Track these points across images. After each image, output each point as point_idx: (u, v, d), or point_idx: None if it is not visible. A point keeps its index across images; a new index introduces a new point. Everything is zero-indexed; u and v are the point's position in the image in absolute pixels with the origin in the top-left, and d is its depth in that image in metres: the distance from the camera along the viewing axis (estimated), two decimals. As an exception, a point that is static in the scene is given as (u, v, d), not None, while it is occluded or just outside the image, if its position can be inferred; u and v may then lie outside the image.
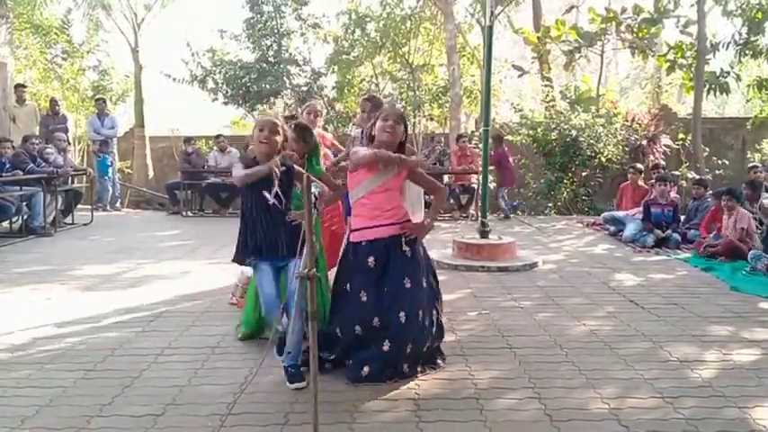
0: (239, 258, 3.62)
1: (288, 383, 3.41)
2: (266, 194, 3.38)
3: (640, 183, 9.73)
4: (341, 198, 4.45)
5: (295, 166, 3.66)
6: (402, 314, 3.47)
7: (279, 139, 3.51)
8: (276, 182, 3.38)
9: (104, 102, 12.76)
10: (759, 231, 7.07)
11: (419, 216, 3.99)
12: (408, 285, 3.52)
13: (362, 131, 4.88)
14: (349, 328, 3.58)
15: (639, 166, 10.23)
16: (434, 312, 3.69)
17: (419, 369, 3.57)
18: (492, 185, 10.56)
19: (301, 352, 3.45)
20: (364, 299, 3.54)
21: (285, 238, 3.47)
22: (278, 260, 3.51)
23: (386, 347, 3.47)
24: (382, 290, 3.53)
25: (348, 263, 3.69)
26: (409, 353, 3.51)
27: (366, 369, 3.46)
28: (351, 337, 3.57)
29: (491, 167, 9.27)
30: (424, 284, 3.62)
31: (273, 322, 3.60)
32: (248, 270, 3.77)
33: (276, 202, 3.40)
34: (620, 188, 10.08)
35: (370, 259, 3.56)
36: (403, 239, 3.59)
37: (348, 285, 3.64)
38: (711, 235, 7.52)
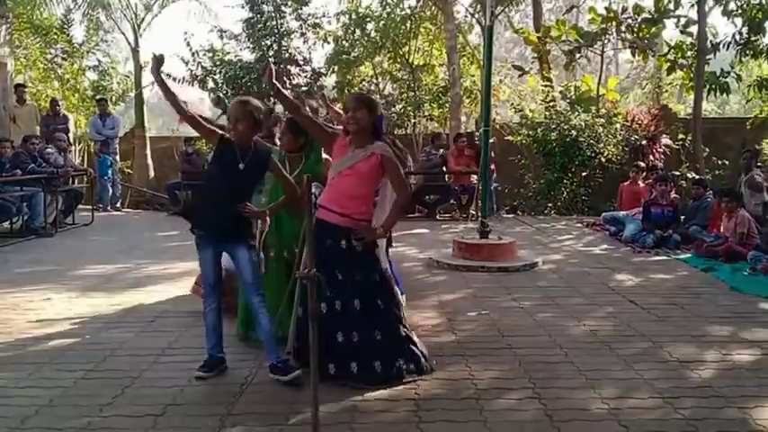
0: (187, 216, 3.69)
1: (283, 378, 3.41)
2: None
3: (640, 182, 9.73)
4: None
5: (273, 158, 3.70)
6: (357, 302, 3.50)
7: (240, 127, 3.50)
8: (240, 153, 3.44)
9: (106, 102, 12.77)
10: (760, 234, 7.07)
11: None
12: (340, 278, 3.50)
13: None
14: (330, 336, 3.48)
15: (642, 164, 10.23)
16: (380, 304, 3.59)
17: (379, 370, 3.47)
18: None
19: (278, 344, 3.49)
20: (357, 306, 3.50)
21: (234, 221, 3.50)
22: (221, 243, 3.55)
23: (355, 338, 3.48)
24: (341, 278, 3.51)
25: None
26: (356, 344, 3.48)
27: (354, 364, 3.45)
28: (334, 343, 3.48)
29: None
30: (377, 278, 3.60)
31: (209, 310, 3.62)
32: (225, 264, 3.78)
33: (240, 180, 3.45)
34: (620, 187, 10.08)
35: (328, 241, 3.52)
36: (353, 235, 3.54)
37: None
38: (712, 235, 7.54)
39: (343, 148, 3.63)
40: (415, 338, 3.73)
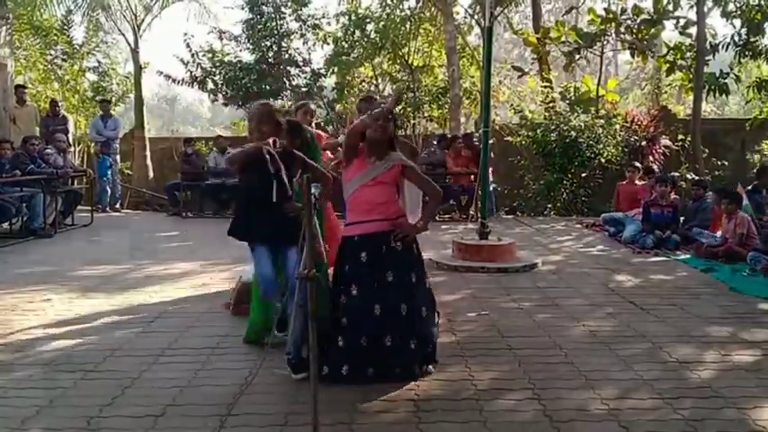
0: (234, 233, 3.67)
1: (292, 375, 3.45)
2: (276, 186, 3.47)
3: (637, 181, 9.73)
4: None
5: (295, 151, 3.71)
6: (404, 307, 3.52)
7: (268, 129, 3.57)
8: (270, 159, 3.47)
9: (109, 103, 12.79)
10: (759, 235, 7.07)
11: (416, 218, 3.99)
12: (397, 280, 3.56)
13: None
14: (354, 339, 3.51)
15: (638, 164, 10.24)
16: (424, 310, 3.64)
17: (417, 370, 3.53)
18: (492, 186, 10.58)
19: (300, 349, 3.48)
20: (377, 312, 3.50)
21: (283, 225, 3.51)
22: (275, 246, 3.59)
23: (388, 343, 3.48)
24: (378, 285, 3.54)
25: (343, 258, 3.69)
26: (413, 348, 3.51)
27: (371, 369, 3.46)
28: (356, 347, 3.50)
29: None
30: (413, 280, 3.63)
31: (273, 302, 3.65)
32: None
33: (277, 182, 3.46)
34: (616, 186, 10.09)
35: (363, 254, 3.58)
36: (393, 235, 3.60)
37: (350, 287, 3.60)
38: (713, 235, 7.56)
39: (363, 161, 3.70)
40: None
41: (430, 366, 3.61)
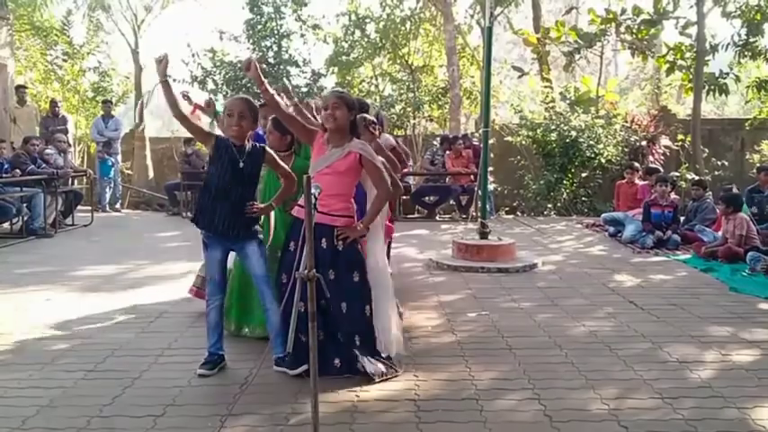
0: (196, 221, 3.65)
1: (288, 372, 3.48)
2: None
3: (636, 180, 9.73)
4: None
5: (268, 149, 3.70)
6: (344, 305, 3.54)
7: (245, 125, 3.54)
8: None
9: (111, 104, 12.79)
10: (759, 235, 7.07)
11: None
12: (332, 277, 3.53)
13: None
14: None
15: (636, 164, 10.24)
16: (367, 308, 3.61)
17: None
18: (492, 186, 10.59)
19: (284, 341, 3.47)
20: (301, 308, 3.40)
21: (236, 220, 3.51)
22: (229, 242, 3.58)
23: (341, 339, 3.53)
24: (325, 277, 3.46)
25: (292, 242, 3.62)
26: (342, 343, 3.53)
27: (337, 361, 3.49)
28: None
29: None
30: (356, 279, 3.59)
31: (216, 303, 3.64)
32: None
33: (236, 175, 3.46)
34: (616, 186, 10.10)
35: (292, 243, 3.55)
36: (335, 233, 3.56)
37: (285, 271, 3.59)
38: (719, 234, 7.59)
39: (321, 146, 3.66)
40: (384, 343, 3.70)
41: (371, 365, 3.50)
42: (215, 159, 3.56)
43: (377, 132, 4.42)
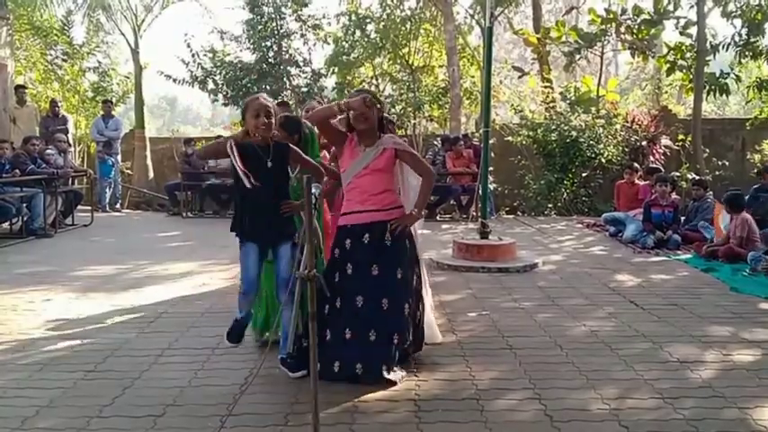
0: (236, 231, 3.63)
1: (289, 374, 3.47)
2: (243, 178, 3.38)
3: (636, 180, 9.73)
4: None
5: (292, 146, 3.68)
6: (385, 301, 3.48)
7: (273, 121, 3.55)
8: (237, 159, 3.38)
9: (112, 104, 12.80)
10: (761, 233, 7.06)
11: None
12: (376, 273, 3.52)
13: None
14: (339, 333, 3.49)
15: (636, 165, 10.24)
16: (406, 307, 3.58)
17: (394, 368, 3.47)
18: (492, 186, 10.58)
19: (289, 344, 3.49)
20: (359, 303, 3.49)
21: (273, 222, 3.49)
22: (269, 244, 3.56)
23: (372, 338, 3.46)
24: (362, 277, 3.52)
25: (337, 248, 3.66)
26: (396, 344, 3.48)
27: (359, 366, 3.41)
28: (341, 340, 3.48)
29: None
30: (399, 276, 3.56)
31: (244, 304, 3.62)
32: None
33: (247, 182, 3.38)
34: (616, 186, 10.10)
35: (348, 242, 3.57)
36: (389, 227, 3.56)
37: (334, 275, 3.59)
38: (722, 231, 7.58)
39: (353, 149, 3.66)
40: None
41: (394, 373, 3.45)
42: (242, 164, 3.48)
43: (395, 132, 4.49)
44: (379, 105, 3.66)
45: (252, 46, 13.90)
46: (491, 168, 9.78)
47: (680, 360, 3.83)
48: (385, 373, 3.40)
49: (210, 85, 14.02)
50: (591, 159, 11.92)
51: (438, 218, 11.08)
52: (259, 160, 3.46)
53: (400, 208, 3.70)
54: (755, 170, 10.16)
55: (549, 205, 12.02)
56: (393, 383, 3.40)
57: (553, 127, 12.14)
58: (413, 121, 14.20)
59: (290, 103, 12.82)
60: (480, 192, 7.58)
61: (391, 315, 3.50)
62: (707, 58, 12.52)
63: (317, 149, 4.29)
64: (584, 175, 12.10)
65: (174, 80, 14.06)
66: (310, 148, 4.18)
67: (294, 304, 3.44)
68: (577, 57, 13.99)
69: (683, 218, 8.54)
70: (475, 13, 15.31)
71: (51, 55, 14.30)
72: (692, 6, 12.86)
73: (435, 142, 12.38)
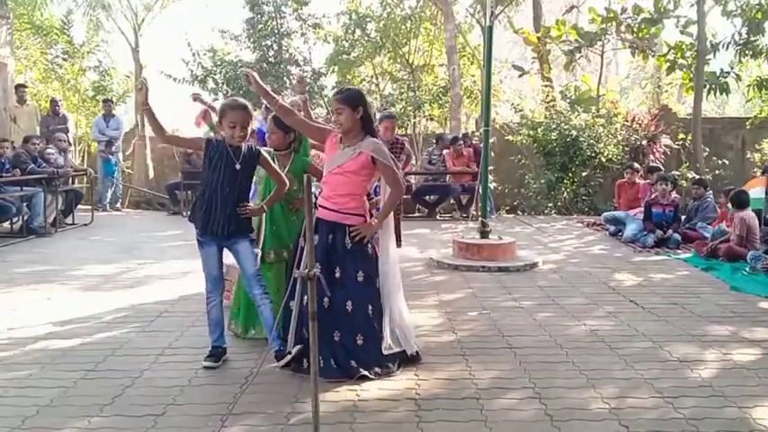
0: (192, 219, 3.73)
1: (276, 361, 3.58)
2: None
3: (637, 180, 9.73)
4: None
5: (263, 152, 3.75)
6: (349, 303, 3.54)
7: (249, 130, 3.64)
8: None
9: (113, 103, 12.79)
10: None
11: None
12: (338, 275, 3.55)
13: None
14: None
15: (636, 165, 10.24)
16: (370, 308, 3.61)
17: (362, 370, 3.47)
18: (492, 185, 10.58)
19: (279, 335, 3.62)
20: (326, 304, 3.48)
21: (230, 216, 3.56)
22: (223, 239, 3.62)
23: (336, 338, 3.52)
24: (330, 275, 3.53)
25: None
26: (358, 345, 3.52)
27: (332, 361, 3.48)
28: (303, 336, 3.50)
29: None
30: (360, 279, 3.59)
31: (216, 299, 3.72)
32: (234, 264, 3.88)
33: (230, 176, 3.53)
34: (617, 186, 10.10)
35: (321, 238, 3.58)
36: (347, 232, 3.58)
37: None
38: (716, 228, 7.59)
39: (333, 145, 3.67)
40: (393, 340, 3.71)
41: (372, 371, 3.48)
42: (210, 162, 3.61)
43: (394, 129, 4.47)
44: (354, 107, 3.57)
45: (252, 45, 13.90)
46: (491, 167, 9.79)
47: (680, 359, 3.84)
48: (355, 372, 3.44)
49: (211, 84, 14.03)
50: (591, 158, 11.91)
51: (438, 217, 11.08)
52: (227, 161, 3.56)
53: (360, 216, 3.64)
54: (755, 170, 10.16)
55: (549, 204, 12.02)
56: (369, 379, 3.44)
57: (553, 126, 12.14)
58: (413, 121, 14.20)
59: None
60: (480, 191, 7.59)
61: (355, 316, 3.56)
62: (707, 57, 12.50)
63: (308, 149, 4.31)
64: (584, 174, 12.10)
65: (175, 79, 14.05)
66: (302, 146, 4.21)
67: (268, 298, 3.60)
68: (577, 56, 13.98)
69: (683, 217, 8.54)
70: (475, 12, 15.29)
71: (51, 54, 14.30)
72: (692, 5, 12.84)
73: (434, 141, 12.38)
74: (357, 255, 3.61)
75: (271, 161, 3.79)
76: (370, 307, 3.62)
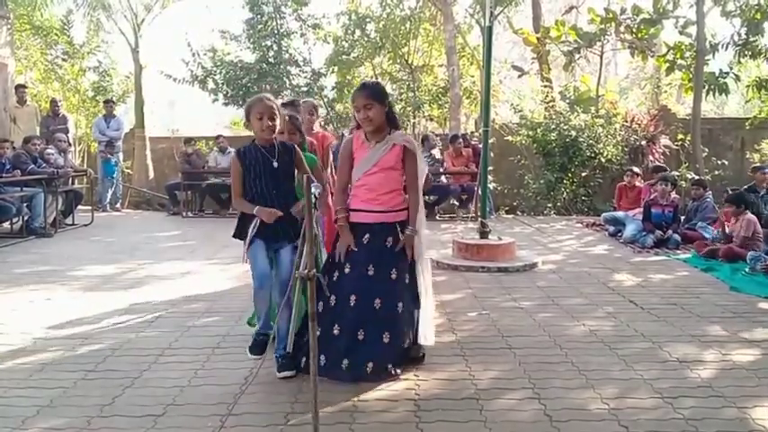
0: (239, 236, 3.64)
1: (276, 373, 3.48)
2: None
3: (637, 183, 9.73)
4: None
5: (297, 148, 3.70)
6: (378, 301, 3.46)
7: (278, 123, 3.57)
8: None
9: (113, 103, 12.81)
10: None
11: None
12: (371, 273, 3.50)
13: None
14: (328, 330, 3.47)
15: (636, 169, 10.25)
16: (400, 305, 3.56)
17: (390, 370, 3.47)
18: (492, 185, 10.58)
19: (289, 343, 3.52)
20: (352, 302, 3.47)
21: (283, 223, 3.50)
22: (273, 243, 3.57)
23: (360, 336, 3.45)
24: (358, 276, 3.50)
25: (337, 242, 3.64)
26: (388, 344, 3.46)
27: (345, 361, 3.41)
28: (329, 336, 3.45)
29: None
30: (393, 276, 3.54)
31: (259, 302, 3.63)
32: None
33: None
34: (617, 188, 10.11)
35: (366, 240, 3.54)
36: (398, 229, 3.53)
37: (336, 275, 3.58)
38: (716, 231, 7.58)
39: (361, 146, 3.58)
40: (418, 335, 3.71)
41: (398, 369, 3.50)
42: (247, 171, 3.52)
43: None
44: (382, 101, 3.50)
45: (252, 45, 13.91)
46: (490, 168, 9.79)
47: (679, 359, 3.84)
48: (368, 371, 3.41)
49: (210, 85, 14.04)
50: (590, 159, 11.92)
51: (437, 217, 11.09)
52: (264, 162, 3.49)
53: (406, 210, 3.58)
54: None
55: (549, 205, 12.02)
56: (384, 381, 3.41)
57: (553, 126, 12.14)
58: (412, 121, 14.21)
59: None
60: (480, 191, 7.59)
61: (383, 314, 3.49)
62: (706, 58, 12.51)
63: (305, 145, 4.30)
64: (583, 174, 12.10)
65: (175, 79, 14.06)
66: (304, 149, 4.20)
67: (295, 305, 3.47)
68: (577, 56, 13.99)
69: (682, 217, 8.55)
70: (474, 13, 15.30)
71: (51, 54, 14.33)
72: (691, 6, 12.86)
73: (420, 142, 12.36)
74: (394, 255, 3.54)
75: (303, 158, 3.70)
76: (400, 304, 3.55)
